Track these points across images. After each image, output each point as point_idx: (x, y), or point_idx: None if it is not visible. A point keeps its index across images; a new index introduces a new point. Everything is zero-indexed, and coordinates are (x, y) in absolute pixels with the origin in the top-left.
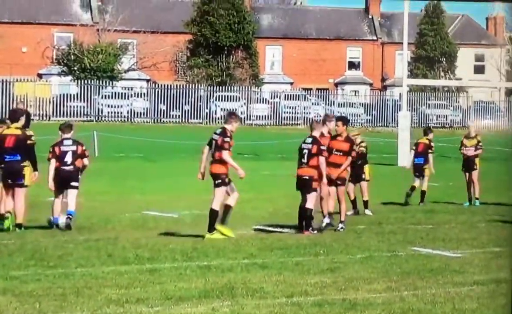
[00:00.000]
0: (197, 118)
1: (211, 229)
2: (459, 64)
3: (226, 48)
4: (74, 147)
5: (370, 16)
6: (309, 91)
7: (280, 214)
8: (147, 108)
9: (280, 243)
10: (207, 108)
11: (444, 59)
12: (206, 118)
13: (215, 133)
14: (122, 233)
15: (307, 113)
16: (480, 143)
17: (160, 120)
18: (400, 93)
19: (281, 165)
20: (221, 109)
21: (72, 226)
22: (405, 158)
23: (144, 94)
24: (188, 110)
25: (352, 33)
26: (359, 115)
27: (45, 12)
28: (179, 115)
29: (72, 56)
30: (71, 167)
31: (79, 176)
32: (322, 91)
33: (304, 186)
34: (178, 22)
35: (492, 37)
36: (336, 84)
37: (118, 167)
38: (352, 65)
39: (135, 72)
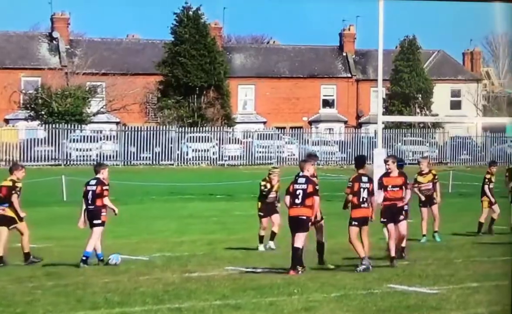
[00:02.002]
0: (168, 160)
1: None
2: (435, 100)
3: (197, 88)
4: (94, 187)
5: (344, 54)
6: (282, 130)
7: (253, 254)
8: (116, 151)
9: (253, 283)
10: (178, 149)
11: (420, 95)
12: (178, 159)
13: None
14: (91, 277)
15: (280, 152)
16: (437, 177)
17: (130, 162)
18: (375, 130)
19: (254, 205)
20: (193, 150)
21: (85, 266)
22: (381, 194)
23: (113, 137)
24: (159, 152)
25: (326, 71)
26: (334, 153)
27: (12, 57)
28: (149, 157)
29: (40, 100)
30: (93, 207)
31: (102, 214)
32: (296, 129)
33: (300, 225)
34: (149, 64)
35: (469, 73)
36: (310, 122)
37: None
38: (327, 103)
39: (104, 115)
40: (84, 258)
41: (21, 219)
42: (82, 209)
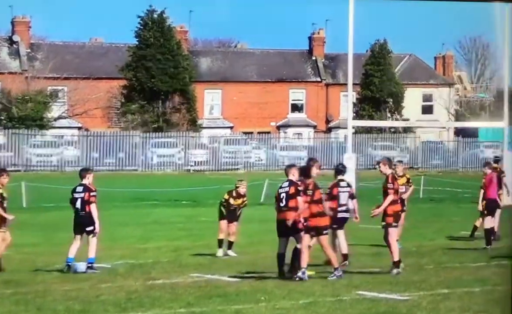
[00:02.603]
0: (132, 166)
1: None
2: (406, 104)
3: (162, 93)
4: (82, 194)
5: (313, 58)
6: (250, 135)
7: (219, 261)
8: (78, 157)
9: (219, 290)
10: (142, 155)
11: (391, 99)
12: (142, 165)
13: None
14: (52, 285)
15: (247, 157)
16: (410, 181)
17: (93, 168)
18: (345, 135)
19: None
20: (158, 155)
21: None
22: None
23: (75, 142)
24: (122, 157)
25: (295, 75)
26: (303, 159)
27: None
28: (113, 163)
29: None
30: (83, 213)
31: (94, 220)
32: (264, 134)
33: (286, 229)
34: (112, 68)
35: (441, 77)
36: (279, 127)
37: (48, 218)
38: (295, 108)
39: (66, 120)
40: (89, 265)
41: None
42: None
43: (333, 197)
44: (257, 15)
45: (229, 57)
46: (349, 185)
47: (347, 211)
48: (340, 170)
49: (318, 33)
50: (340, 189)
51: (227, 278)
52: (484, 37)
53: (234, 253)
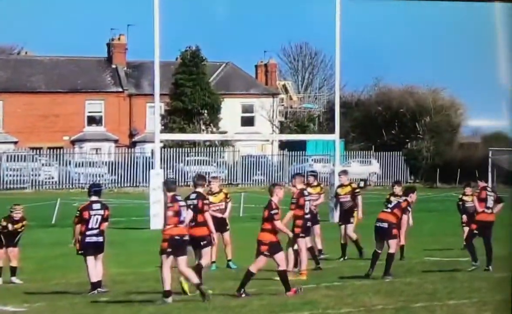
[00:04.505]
0: None
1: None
2: (223, 116)
3: None
4: None
5: (113, 66)
6: (38, 150)
7: (1, 289)
8: None
9: None
10: None
11: (206, 111)
12: None
13: (190, 198)
14: None
15: (36, 175)
16: (228, 199)
17: None
18: (152, 150)
19: None
20: None
21: None
22: (158, 219)
23: None
24: None
25: (91, 85)
26: (102, 176)
27: None
28: None
29: None
30: None
31: None
32: (56, 150)
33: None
34: None
35: (263, 86)
36: (73, 142)
37: None
38: (93, 120)
39: None
40: None
41: None
42: None
43: (82, 220)
44: (45, 19)
45: (11, 65)
46: (104, 206)
47: (98, 235)
48: (93, 190)
49: (119, 39)
50: (91, 212)
51: (11, 309)
52: (311, 44)
53: (19, 281)
